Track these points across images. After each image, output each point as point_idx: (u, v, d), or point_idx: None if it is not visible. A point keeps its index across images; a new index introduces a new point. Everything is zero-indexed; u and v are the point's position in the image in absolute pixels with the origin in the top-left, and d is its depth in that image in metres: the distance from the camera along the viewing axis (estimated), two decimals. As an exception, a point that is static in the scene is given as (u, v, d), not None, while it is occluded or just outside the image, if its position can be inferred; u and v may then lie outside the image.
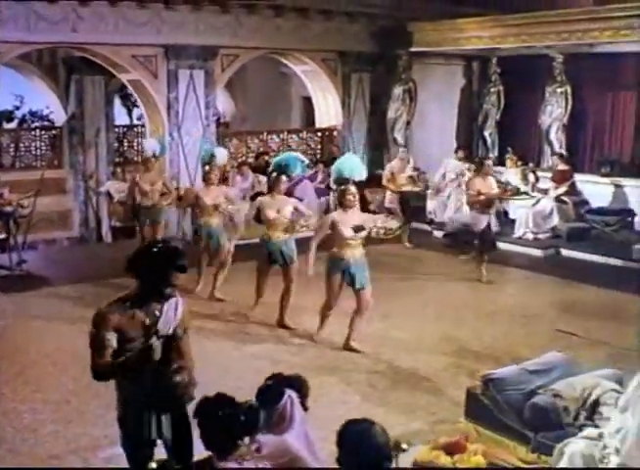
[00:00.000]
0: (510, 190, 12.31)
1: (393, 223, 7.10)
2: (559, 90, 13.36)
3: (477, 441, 4.52)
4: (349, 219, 6.91)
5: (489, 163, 10.68)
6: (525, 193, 12.54)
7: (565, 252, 11.31)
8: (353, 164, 7.38)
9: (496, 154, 14.67)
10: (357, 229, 6.85)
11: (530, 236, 11.80)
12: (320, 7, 13.19)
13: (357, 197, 7.07)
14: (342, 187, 7.04)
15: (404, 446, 3.80)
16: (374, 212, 13.90)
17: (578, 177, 12.86)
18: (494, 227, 10.38)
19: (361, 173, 7.39)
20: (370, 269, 7.22)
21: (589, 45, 11.42)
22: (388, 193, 12.11)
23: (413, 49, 13.52)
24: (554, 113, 13.46)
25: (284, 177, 7.96)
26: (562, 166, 12.21)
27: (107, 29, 11.37)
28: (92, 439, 5.53)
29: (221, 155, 10.21)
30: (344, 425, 3.02)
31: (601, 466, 3.81)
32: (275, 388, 3.89)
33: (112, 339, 3.76)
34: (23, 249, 11.50)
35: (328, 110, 14.50)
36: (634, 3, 10.40)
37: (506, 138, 14.60)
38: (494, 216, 10.75)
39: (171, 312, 3.79)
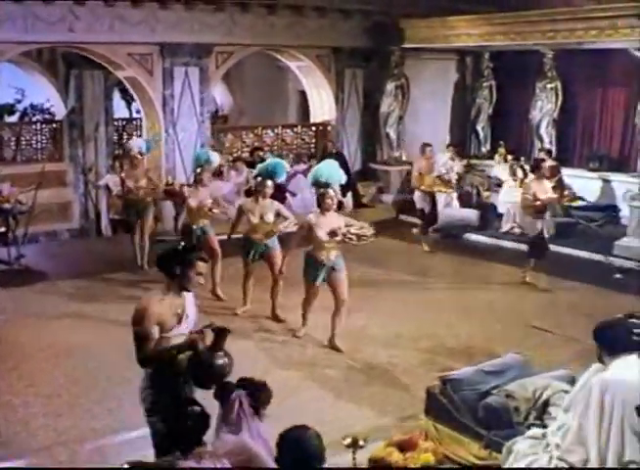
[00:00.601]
0: (567, 195, 12.24)
1: (368, 230, 7.32)
2: (549, 86, 13.58)
3: (435, 437, 4.84)
4: (327, 222, 7.21)
5: (547, 164, 10.47)
6: (581, 198, 12.55)
7: (551, 247, 11.53)
8: (332, 170, 7.65)
9: (488, 148, 14.97)
10: (332, 233, 7.15)
11: (517, 231, 12.05)
12: (314, 4, 13.43)
13: (335, 200, 7.38)
14: (321, 191, 7.33)
15: (361, 442, 4.13)
16: (367, 206, 14.32)
17: (568, 172, 13.13)
18: (546, 233, 9.96)
19: (340, 178, 7.67)
20: (355, 264, 7.55)
21: (577, 43, 11.60)
22: (417, 193, 11.93)
23: (405, 45, 13.76)
24: (544, 108, 13.69)
25: (269, 182, 8.21)
26: (548, 162, 12.41)
27: (103, 29, 11.64)
28: (80, 431, 5.87)
29: (215, 159, 10.38)
30: (284, 431, 3.30)
31: (544, 463, 4.11)
32: (227, 388, 4.25)
33: (155, 332, 4.33)
34: (24, 242, 11.85)
35: (322, 105, 14.77)
36: (617, 4, 10.63)
37: (498, 132, 14.86)
38: (547, 222, 10.40)
39: (193, 304, 4.50)
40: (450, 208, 13.26)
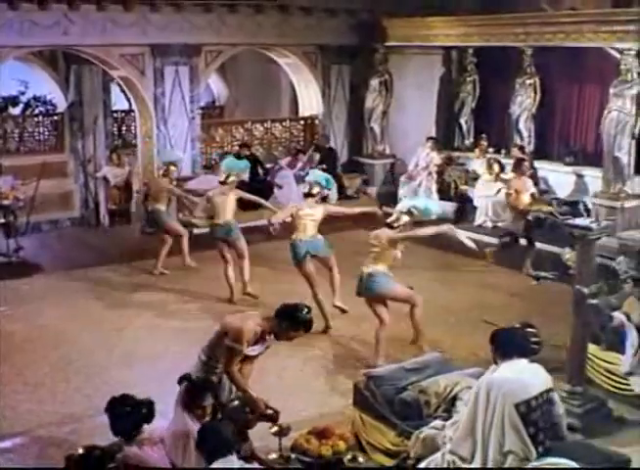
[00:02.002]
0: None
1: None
2: (528, 81, 14.05)
3: (360, 425, 5.54)
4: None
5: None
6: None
7: (521, 240, 12.14)
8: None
9: (471, 140, 15.50)
10: None
11: (490, 224, 12.67)
12: (300, 4, 13.98)
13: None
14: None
15: (287, 430, 4.85)
16: (351, 198, 14.94)
17: (545, 166, 13.68)
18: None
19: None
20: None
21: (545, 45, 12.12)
22: (509, 213, 11.51)
23: (388, 44, 14.30)
24: (523, 103, 14.17)
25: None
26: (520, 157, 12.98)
27: (96, 32, 12.23)
28: (60, 416, 6.61)
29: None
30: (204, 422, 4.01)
31: (441, 451, 4.79)
32: (187, 378, 5.05)
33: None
34: (27, 230, 12.59)
35: (310, 99, 15.35)
36: (583, 11, 11.16)
37: (481, 126, 15.38)
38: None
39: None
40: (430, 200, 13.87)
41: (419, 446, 4.97)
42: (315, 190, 8.98)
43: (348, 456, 4.67)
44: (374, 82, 14.77)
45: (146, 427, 4.43)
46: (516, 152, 13.20)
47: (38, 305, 9.25)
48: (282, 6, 13.84)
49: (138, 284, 10.35)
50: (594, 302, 7.00)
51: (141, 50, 12.88)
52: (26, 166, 13.40)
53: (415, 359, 5.93)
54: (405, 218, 7.32)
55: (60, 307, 9.25)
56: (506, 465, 4.51)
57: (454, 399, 5.27)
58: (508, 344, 4.75)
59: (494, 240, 12.20)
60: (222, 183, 9.86)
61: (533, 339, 5.07)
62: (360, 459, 4.71)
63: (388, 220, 7.49)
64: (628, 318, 6.70)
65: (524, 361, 4.74)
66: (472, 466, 4.58)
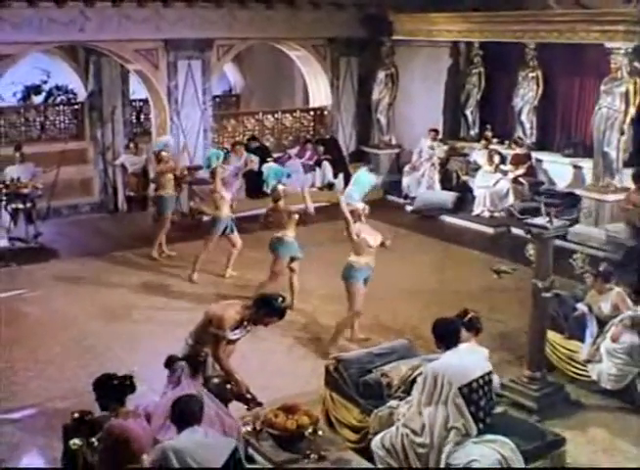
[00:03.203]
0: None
1: None
2: (530, 75, 14.46)
3: (330, 404, 6.14)
4: None
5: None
6: None
7: (515, 230, 12.58)
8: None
9: (477, 131, 15.91)
10: None
11: (487, 214, 13.14)
12: (309, -1, 14.50)
13: None
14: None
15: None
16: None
17: (545, 157, 14.10)
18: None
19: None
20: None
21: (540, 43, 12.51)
22: (625, 227, 11.02)
23: (394, 37, 14.75)
24: (526, 96, 14.58)
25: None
26: (518, 150, 13.44)
27: (111, 27, 12.83)
28: (65, 391, 7.25)
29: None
30: (177, 398, 4.61)
31: (395, 425, 5.37)
32: (173, 360, 5.67)
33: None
34: (48, 215, 13.26)
35: (320, 91, 15.86)
36: (575, 10, 11.55)
37: (486, 117, 15.78)
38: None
39: None
40: (432, 190, 14.37)
41: (377, 423, 5.57)
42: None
43: (310, 430, 5.25)
44: (380, 75, 15.24)
45: (136, 402, 5.09)
46: (513, 145, 13.62)
47: (52, 290, 9.92)
48: (291, 0, 14.33)
49: (147, 269, 10.95)
50: (563, 293, 7.59)
51: (155, 45, 13.46)
52: (48, 154, 14.10)
53: (383, 345, 6.50)
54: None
55: (72, 292, 9.91)
56: (449, 439, 5.08)
57: (413, 381, 5.81)
58: (446, 334, 5.31)
59: (490, 230, 12.70)
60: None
61: (479, 321, 5.66)
62: (320, 433, 5.29)
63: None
64: (590, 309, 7.19)
65: (464, 346, 5.31)
66: (421, 439, 5.16)
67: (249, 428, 5.49)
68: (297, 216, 9.25)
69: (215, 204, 10.51)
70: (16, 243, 11.55)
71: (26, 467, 6.25)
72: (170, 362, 5.80)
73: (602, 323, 7.13)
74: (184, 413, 4.45)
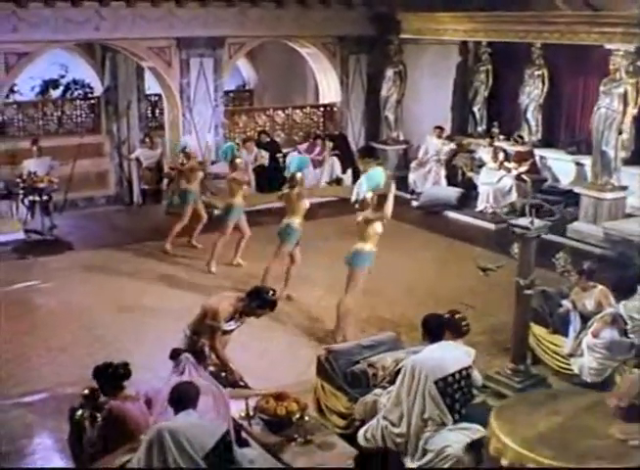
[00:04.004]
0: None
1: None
2: (536, 73, 14.76)
3: (321, 392, 6.52)
4: None
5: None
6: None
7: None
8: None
9: (484, 127, 16.20)
10: None
11: (490, 210, 13.43)
12: (319, -2, 14.82)
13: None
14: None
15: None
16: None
17: (549, 155, 14.37)
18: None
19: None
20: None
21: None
22: None
23: (402, 36, 15.05)
24: (532, 93, 14.88)
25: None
26: (520, 148, 13.72)
27: (125, 26, 13.25)
28: (75, 377, 7.58)
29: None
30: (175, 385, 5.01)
31: (376, 417, 5.73)
32: (178, 352, 6.05)
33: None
34: (64, 207, 13.71)
35: (329, 87, 16.19)
36: (578, 12, 11.80)
37: (494, 114, 16.07)
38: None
39: None
40: (439, 185, 14.68)
41: (361, 409, 5.95)
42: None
43: (297, 416, 5.64)
44: (389, 72, 15.54)
45: (138, 388, 5.52)
46: (515, 143, 13.88)
47: (66, 281, 10.34)
48: (301, 0, 14.65)
49: (159, 262, 11.34)
50: (549, 289, 7.92)
51: (168, 43, 13.86)
52: (65, 147, 14.54)
53: (371, 338, 6.86)
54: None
55: (85, 283, 10.33)
56: (427, 429, 5.45)
57: (397, 373, 6.17)
58: (432, 329, 5.67)
59: (492, 226, 12.98)
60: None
61: (463, 323, 5.96)
62: (306, 418, 5.67)
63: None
64: (574, 306, 7.52)
65: (447, 343, 5.66)
66: (399, 429, 5.52)
67: (242, 413, 5.86)
68: (307, 205, 9.65)
69: (232, 191, 10.93)
70: (32, 235, 12.01)
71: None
72: (175, 355, 6.14)
73: (585, 319, 7.44)
74: (181, 397, 4.86)
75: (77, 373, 7.71)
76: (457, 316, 5.94)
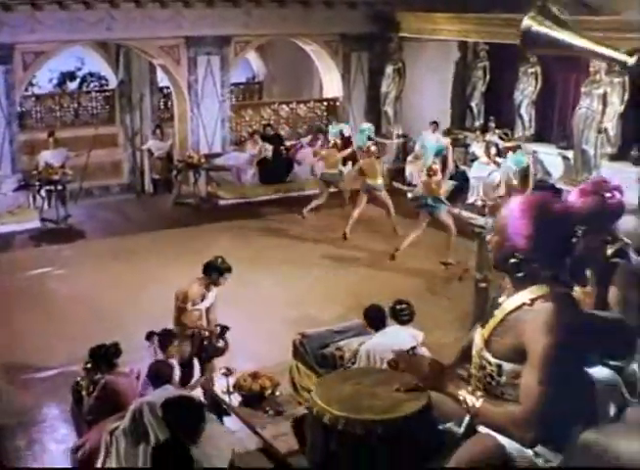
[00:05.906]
0: None
1: None
2: (530, 70, 15.32)
3: (296, 372, 7.32)
4: None
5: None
6: None
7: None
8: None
9: (481, 122, 16.82)
10: None
11: (480, 203, 14.08)
12: (321, -1, 15.51)
13: None
14: None
15: (232, 372, 6.65)
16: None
17: (541, 149, 14.98)
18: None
19: None
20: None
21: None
22: None
23: (401, 34, 15.71)
24: (525, 90, 15.45)
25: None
26: (507, 143, 14.37)
27: (136, 26, 14.02)
28: (81, 356, 8.48)
29: None
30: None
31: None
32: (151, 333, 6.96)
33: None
34: (80, 195, 14.57)
35: (332, 83, 16.90)
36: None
37: (491, 109, 16.68)
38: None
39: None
40: (433, 178, 15.33)
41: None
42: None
43: (269, 391, 6.45)
44: (388, 69, 16.20)
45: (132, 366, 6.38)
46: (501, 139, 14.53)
47: (78, 268, 11.12)
48: (303, 1, 15.33)
49: (168, 249, 11.97)
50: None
51: (176, 42, 14.63)
52: (81, 138, 15.40)
53: (341, 324, 7.65)
54: None
55: (96, 271, 11.11)
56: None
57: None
58: (376, 319, 6.46)
59: (481, 219, 13.64)
60: None
61: (403, 313, 6.75)
62: (277, 393, 6.48)
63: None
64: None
65: (396, 327, 6.46)
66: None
67: (223, 389, 6.68)
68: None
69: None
70: (47, 224, 12.87)
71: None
72: (149, 337, 7.07)
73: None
74: (157, 374, 5.69)
75: (84, 353, 8.50)
76: (398, 307, 6.71)
